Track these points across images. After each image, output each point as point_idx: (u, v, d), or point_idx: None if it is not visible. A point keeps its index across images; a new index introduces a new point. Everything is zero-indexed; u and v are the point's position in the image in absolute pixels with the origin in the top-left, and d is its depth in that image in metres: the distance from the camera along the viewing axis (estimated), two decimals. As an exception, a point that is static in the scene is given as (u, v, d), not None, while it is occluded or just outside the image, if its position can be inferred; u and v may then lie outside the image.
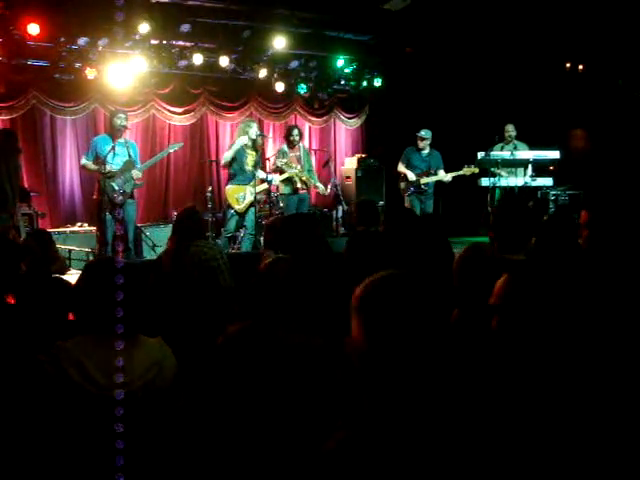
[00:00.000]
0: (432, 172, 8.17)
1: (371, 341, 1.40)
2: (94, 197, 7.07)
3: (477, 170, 8.10)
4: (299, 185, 7.88)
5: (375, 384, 1.40)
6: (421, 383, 1.38)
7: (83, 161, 7.00)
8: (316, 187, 8.16)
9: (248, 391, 2.13)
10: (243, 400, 2.14)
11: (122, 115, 6.91)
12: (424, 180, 8.14)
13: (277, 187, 8.13)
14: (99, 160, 6.71)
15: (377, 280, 1.46)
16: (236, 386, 2.15)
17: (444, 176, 8.14)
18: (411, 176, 8.16)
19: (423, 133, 8.13)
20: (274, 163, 7.83)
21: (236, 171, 7.43)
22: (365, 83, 9.80)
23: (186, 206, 4.47)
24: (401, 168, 8.32)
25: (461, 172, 8.13)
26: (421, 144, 8.17)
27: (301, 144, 8.20)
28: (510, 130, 8.34)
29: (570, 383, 1.65)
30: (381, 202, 9.29)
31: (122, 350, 2.02)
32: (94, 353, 2.02)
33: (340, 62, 9.35)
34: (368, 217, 4.52)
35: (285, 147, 7.98)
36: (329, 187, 8.39)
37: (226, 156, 7.48)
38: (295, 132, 8.02)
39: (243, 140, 7.36)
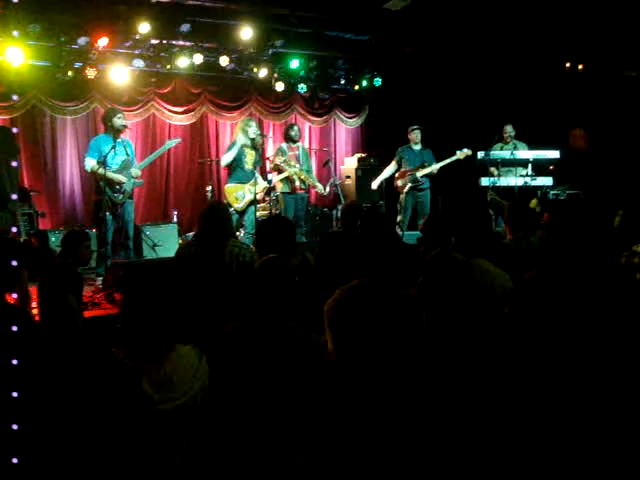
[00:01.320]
0: (427, 165, 8.26)
1: (339, 351, 1.38)
2: (93, 197, 7.03)
3: (470, 152, 8.18)
4: (297, 184, 7.87)
5: (344, 394, 1.38)
6: (389, 392, 1.36)
7: (90, 165, 6.64)
8: (314, 187, 8.16)
9: (245, 386, 2.15)
10: (240, 396, 2.15)
11: (120, 115, 6.86)
12: (420, 173, 8.20)
13: (275, 186, 8.13)
14: (99, 160, 6.67)
15: (342, 293, 1.43)
16: (233, 382, 2.17)
17: (439, 165, 8.24)
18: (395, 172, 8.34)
19: (415, 127, 8.33)
20: (273, 161, 7.84)
21: (235, 170, 7.43)
22: (365, 83, 9.81)
23: (212, 202, 4.24)
24: (390, 166, 8.48)
25: (455, 157, 8.22)
26: (414, 138, 8.31)
27: (300, 143, 8.21)
28: (509, 130, 8.40)
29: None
30: (381, 202, 9.31)
31: (168, 364, 2.06)
32: (146, 366, 2.03)
33: (340, 62, 9.36)
34: (352, 221, 4.56)
35: (284, 146, 7.96)
36: (327, 187, 8.41)
37: (225, 158, 7.45)
38: (295, 128, 8.07)
39: (241, 140, 7.35)
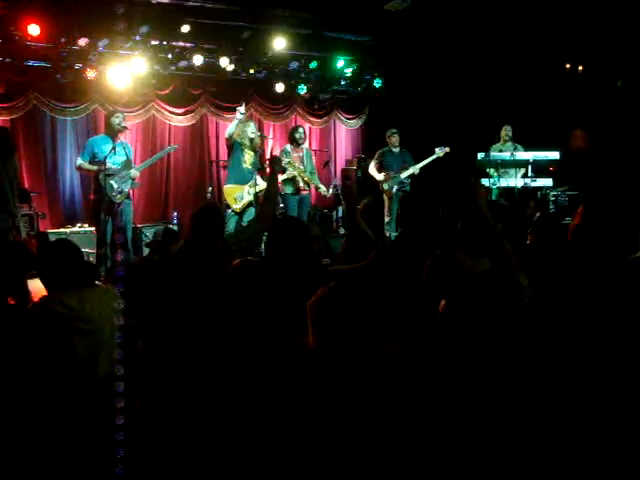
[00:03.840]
0: (408, 166, 8.46)
1: (319, 345, 1.40)
2: (91, 197, 7.02)
3: (449, 149, 8.33)
4: (301, 185, 7.89)
5: (322, 387, 1.39)
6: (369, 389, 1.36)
7: (78, 162, 6.86)
8: (317, 188, 8.17)
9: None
10: None
11: (120, 115, 6.87)
12: (404, 174, 8.40)
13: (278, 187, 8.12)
14: (97, 161, 6.68)
15: (326, 291, 1.47)
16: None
17: (420, 165, 8.44)
18: (380, 177, 8.46)
19: (395, 130, 8.52)
20: None
21: (234, 170, 7.41)
22: (365, 84, 9.80)
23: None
24: (372, 170, 8.56)
25: (434, 156, 8.39)
26: (394, 141, 8.52)
27: (304, 146, 8.22)
28: (507, 130, 8.39)
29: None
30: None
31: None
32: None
33: (340, 63, 9.36)
34: (372, 219, 4.51)
35: (289, 147, 8.00)
36: (330, 189, 8.43)
37: (229, 130, 7.43)
38: (301, 130, 8.13)
39: (240, 115, 7.38)
